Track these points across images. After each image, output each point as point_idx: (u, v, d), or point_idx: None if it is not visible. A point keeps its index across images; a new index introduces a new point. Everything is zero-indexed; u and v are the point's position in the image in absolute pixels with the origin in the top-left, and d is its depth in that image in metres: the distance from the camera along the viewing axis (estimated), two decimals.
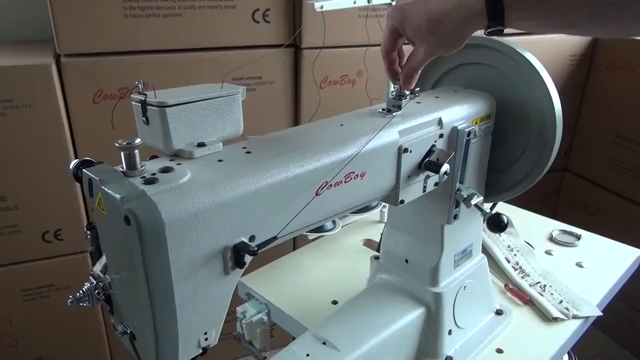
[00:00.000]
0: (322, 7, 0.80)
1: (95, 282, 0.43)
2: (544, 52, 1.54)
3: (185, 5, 1.12)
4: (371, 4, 0.87)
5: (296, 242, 1.41)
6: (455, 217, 0.66)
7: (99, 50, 1.10)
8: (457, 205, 0.66)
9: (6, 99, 1.05)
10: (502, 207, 1.07)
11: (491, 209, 0.75)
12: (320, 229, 0.94)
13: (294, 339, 0.69)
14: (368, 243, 0.99)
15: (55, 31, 1.05)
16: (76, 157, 1.15)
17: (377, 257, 0.76)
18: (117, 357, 1.39)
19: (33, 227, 1.17)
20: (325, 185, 0.49)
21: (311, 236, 0.95)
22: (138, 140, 0.40)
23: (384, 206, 1.04)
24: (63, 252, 1.21)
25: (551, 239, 0.98)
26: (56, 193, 1.15)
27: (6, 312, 1.22)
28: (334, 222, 0.97)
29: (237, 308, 0.80)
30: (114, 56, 1.11)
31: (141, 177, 0.40)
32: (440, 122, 0.60)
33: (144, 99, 0.44)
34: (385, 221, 1.03)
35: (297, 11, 1.22)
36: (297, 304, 0.81)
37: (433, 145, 0.59)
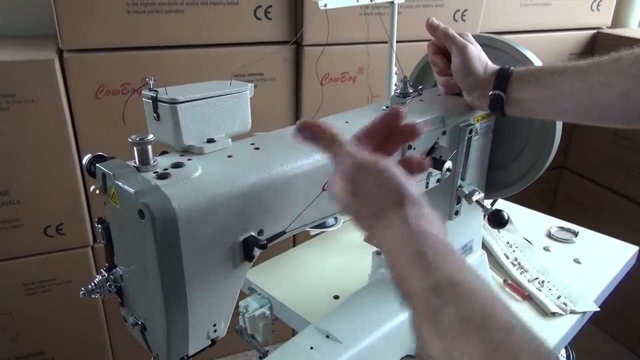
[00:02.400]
0: (325, 5, 0.80)
1: (106, 275, 0.44)
2: (543, 50, 1.55)
3: (188, 1, 1.12)
4: (374, 2, 0.87)
5: (297, 238, 1.42)
6: (457, 213, 0.68)
7: (102, 46, 1.11)
8: (459, 202, 0.67)
9: (9, 94, 1.05)
10: (501, 204, 1.08)
11: (491, 205, 0.76)
12: (322, 225, 0.95)
13: (294, 332, 0.70)
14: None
15: (58, 27, 1.05)
16: (78, 152, 1.16)
17: (379, 253, 0.77)
18: (117, 351, 1.40)
19: (35, 221, 1.17)
20: None
21: (313, 232, 0.96)
22: (151, 136, 0.41)
23: None
24: (65, 247, 1.22)
25: (549, 235, 1.00)
26: (58, 188, 1.16)
27: (8, 306, 1.22)
28: (335, 218, 0.98)
29: (240, 302, 0.81)
30: (116, 52, 1.12)
31: (154, 172, 0.41)
32: (442, 120, 0.61)
33: (155, 95, 0.45)
34: None
35: (298, 8, 1.22)
36: (299, 299, 0.82)
37: (436, 143, 0.60)
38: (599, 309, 0.79)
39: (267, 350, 0.79)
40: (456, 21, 1.38)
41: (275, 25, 1.22)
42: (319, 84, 1.29)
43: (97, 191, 0.42)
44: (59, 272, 1.23)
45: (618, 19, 1.73)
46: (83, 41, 1.09)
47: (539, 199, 1.81)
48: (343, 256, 0.93)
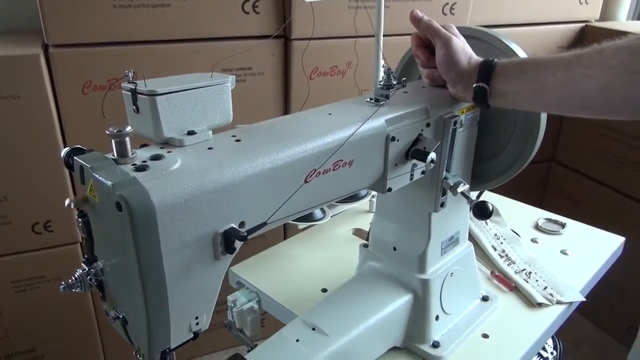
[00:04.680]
0: None
1: (87, 269, 0.44)
2: (531, 43, 1.56)
3: None
4: None
5: (286, 232, 1.42)
6: (442, 205, 0.68)
7: (88, 41, 1.10)
8: (444, 194, 0.67)
9: None
10: (490, 197, 1.09)
11: (477, 197, 0.76)
12: (310, 219, 0.95)
13: None
14: (357, 232, 1.00)
15: (44, 21, 1.04)
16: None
17: (366, 245, 0.77)
18: (108, 348, 1.40)
19: (23, 218, 1.17)
20: (313, 173, 0.50)
21: (301, 225, 0.96)
22: (129, 128, 0.41)
23: (373, 196, 1.05)
24: (53, 244, 1.21)
25: (537, 227, 1.00)
26: (46, 184, 1.15)
27: None
28: (323, 211, 0.98)
29: (228, 297, 0.81)
30: (102, 47, 1.11)
31: (132, 165, 0.41)
32: (426, 112, 0.61)
33: (134, 87, 0.44)
34: (374, 211, 1.04)
35: (286, 2, 1.22)
36: (287, 292, 0.82)
37: (420, 134, 0.60)
38: (584, 299, 0.80)
39: (256, 345, 0.79)
40: (445, 15, 1.38)
41: (263, 19, 1.22)
42: (307, 78, 1.28)
43: (72, 205, 0.42)
44: (47, 269, 1.23)
45: (606, 12, 1.73)
46: (69, 36, 1.08)
47: (528, 192, 1.81)
48: (331, 249, 0.93)
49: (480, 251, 0.90)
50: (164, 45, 1.16)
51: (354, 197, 1.03)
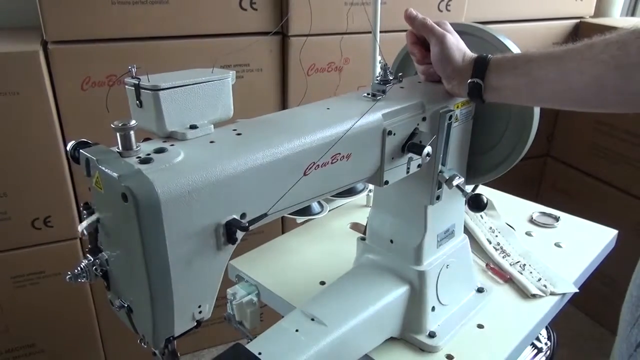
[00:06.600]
0: None
1: (92, 259, 0.45)
2: (525, 40, 1.57)
3: None
4: None
5: (285, 226, 1.43)
6: (438, 198, 0.69)
7: (87, 37, 1.10)
8: (440, 187, 0.68)
9: None
10: (486, 191, 1.10)
11: (473, 190, 0.78)
12: (308, 213, 0.97)
13: None
14: (355, 226, 1.01)
15: (43, 18, 1.05)
16: (65, 144, 1.16)
17: (363, 239, 0.79)
18: (107, 341, 1.41)
19: (22, 214, 1.17)
20: (312, 166, 0.51)
21: (299, 220, 0.97)
22: (133, 122, 0.42)
23: (370, 190, 1.07)
24: (53, 239, 1.22)
25: (531, 220, 1.02)
26: (45, 180, 1.16)
27: None
28: (321, 205, 0.99)
29: (228, 289, 0.82)
30: (101, 43, 1.12)
31: (137, 157, 0.42)
32: (422, 106, 0.63)
33: (137, 82, 0.46)
34: (371, 204, 1.05)
35: None
36: (286, 285, 0.83)
37: (416, 128, 0.62)
38: (577, 290, 0.82)
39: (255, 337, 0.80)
40: (441, 11, 1.39)
41: (261, 16, 1.22)
42: (305, 75, 1.29)
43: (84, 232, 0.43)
44: (47, 265, 1.24)
45: (601, 9, 1.75)
46: (68, 32, 1.08)
47: (524, 187, 1.83)
48: (329, 243, 0.95)
49: (476, 244, 0.92)
50: (162, 41, 1.16)
51: (351, 192, 1.04)
